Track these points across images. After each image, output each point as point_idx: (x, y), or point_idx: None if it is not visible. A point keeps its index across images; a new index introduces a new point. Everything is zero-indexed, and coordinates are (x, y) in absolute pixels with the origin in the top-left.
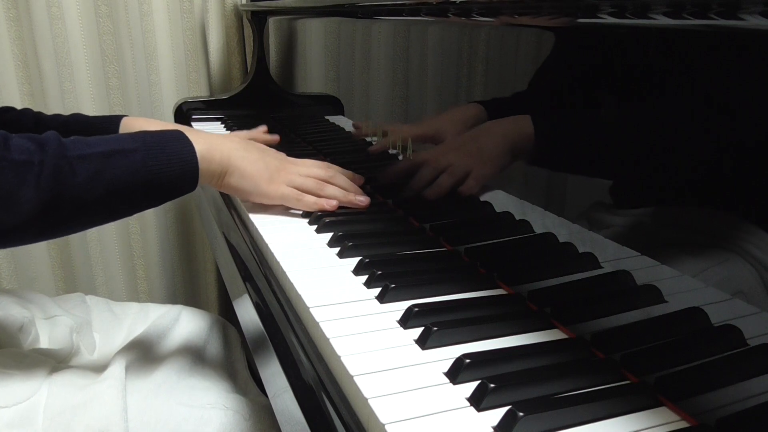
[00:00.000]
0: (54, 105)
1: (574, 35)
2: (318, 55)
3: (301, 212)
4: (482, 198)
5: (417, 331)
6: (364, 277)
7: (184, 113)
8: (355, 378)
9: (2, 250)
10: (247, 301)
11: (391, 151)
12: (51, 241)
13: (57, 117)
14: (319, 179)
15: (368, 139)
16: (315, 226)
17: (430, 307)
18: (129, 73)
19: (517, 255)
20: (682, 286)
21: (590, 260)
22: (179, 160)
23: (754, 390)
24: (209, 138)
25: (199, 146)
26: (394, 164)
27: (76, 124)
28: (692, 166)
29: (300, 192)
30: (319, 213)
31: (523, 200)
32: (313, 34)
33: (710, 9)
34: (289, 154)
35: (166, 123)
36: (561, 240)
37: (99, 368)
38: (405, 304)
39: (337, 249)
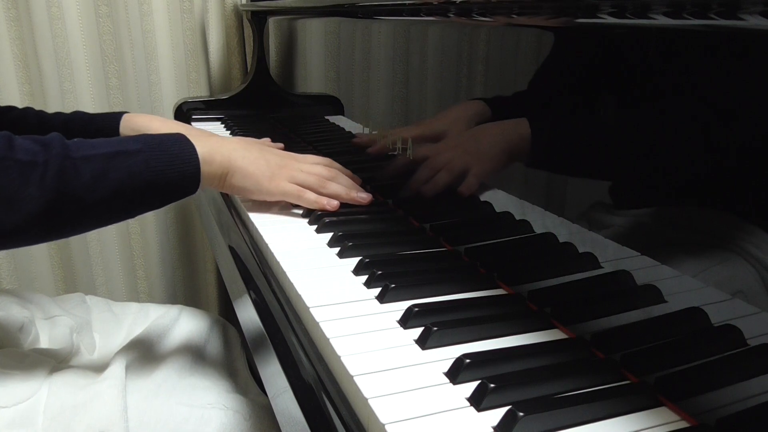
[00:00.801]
0: (54, 105)
1: (574, 35)
2: (318, 55)
3: (301, 212)
4: (482, 198)
5: (417, 331)
6: (364, 277)
7: (184, 113)
8: (355, 378)
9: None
10: (247, 301)
11: (390, 152)
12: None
13: (59, 115)
14: (321, 177)
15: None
16: (315, 226)
17: (430, 307)
18: (129, 73)
19: (517, 255)
20: (682, 286)
21: (590, 260)
22: (181, 162)
23: (754, 390)
24: (210, 140)
25: (201, 148)
26: (393, 164)
27: (78, 122)
28: (692, 166)
29: (301, 188)
30: (319, 213)
31: (523, 200)
32: (313, 34)
33: (710, 9)
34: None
35: (166, 120)
36: (561, 240)
37: (99, 368)
38: (405, 304)
39: (337, 249)
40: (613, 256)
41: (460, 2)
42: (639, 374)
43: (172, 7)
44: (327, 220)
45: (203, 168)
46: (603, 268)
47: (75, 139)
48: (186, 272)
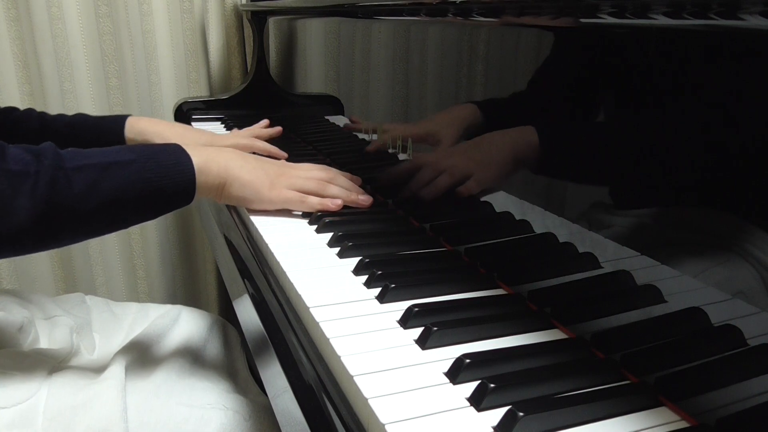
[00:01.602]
0: (54, 105)
1: (574, 35)
2: (318, 55)
3: (301, 212)
4: (482, 198)
5: (417, 331)
6: (364, 277)
7: (184, 113)
8: (355, 378)
9: None
10: (247, 301)
11: (390, 151)
12: None
13: (61, 117)
14: (321, 180)
15: (363, 136)
16: (315, 226)
17: (430, 307)
18: (129, 73)
19: (517, 255)
20: (682, 286)
21: (590, 260)
22: (176, 173)
23: (754, 390)
24: (206, 151)
25: (197, 159)
26: (394, 164)
27: (82, 125)
28: (692, 166)
29: (303, 194)
30: (320, 213)
31: (523, 200)
32: (313, 34)
33: (710, 9)
34: (289, 154)
35: (169, 123)
36: (561, 240)
37: (99, 368)
38: (405, 304)
39: (337, 249)
40: (613, 256)
41: (460, 2)
42: (639, 374)
43: (172, 7)
44: (327, 220)
45: (199, 178)
46: (603, 268)
47: (69, 149)
48: (186, 272)
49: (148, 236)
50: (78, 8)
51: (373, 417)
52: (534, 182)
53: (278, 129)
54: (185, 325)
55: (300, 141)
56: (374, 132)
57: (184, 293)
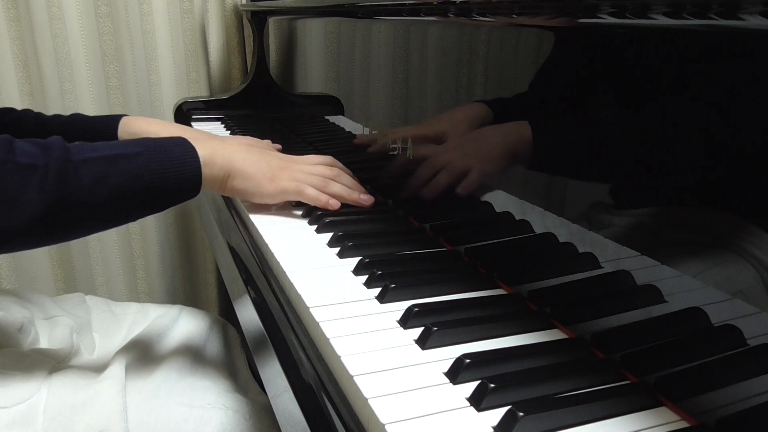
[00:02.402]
0: (54, 105)
1: (574, 35)
2: (318, 55)
3: (301, 212)
4: (482, 198)
5: (417, 331)
6: (364, 277)
7: (184, 113)
8: (355, 378)
9: None
10: (247, 301)
11: (390, 152)
12: None
13: (57, 117)
14: (324, 176)
15: (366, 135)
16: (315, 226)
17: (430, 307)
18: (129, 73)
19: (517, 255)
20: (682, 286)
21: (590, 260)
22: (182, 165)
23: (754, 390)
24: (211, 143)
25: (202, 151)
26: (394, 164)
27: (76, 124)
28: (692, 166)
29: (301, 183)
30: (320, 213)
31: (523, 200)
32: (313, 34)
33: (710, 9)
34: (289, 154)
35: (165, 122)
36: (561, 240)
37: (99, 368)
38: (405, 304)
39: (337, 249)
40: (613, 256)
41: (460, 2)
42: (639, 374)
43: (172, 7)
44: (327, 220)
45: (204, 171)
46: (603, 268)
47: (75, 142)
48: (186, 272)
49: (148, 236)
50: (78, 8)
51: (373, 417)
52: (534, 182)
53: (278, 147)
54: (185, 324)
55: (300, 141)
56: (381, 136)
57: (184, 293)
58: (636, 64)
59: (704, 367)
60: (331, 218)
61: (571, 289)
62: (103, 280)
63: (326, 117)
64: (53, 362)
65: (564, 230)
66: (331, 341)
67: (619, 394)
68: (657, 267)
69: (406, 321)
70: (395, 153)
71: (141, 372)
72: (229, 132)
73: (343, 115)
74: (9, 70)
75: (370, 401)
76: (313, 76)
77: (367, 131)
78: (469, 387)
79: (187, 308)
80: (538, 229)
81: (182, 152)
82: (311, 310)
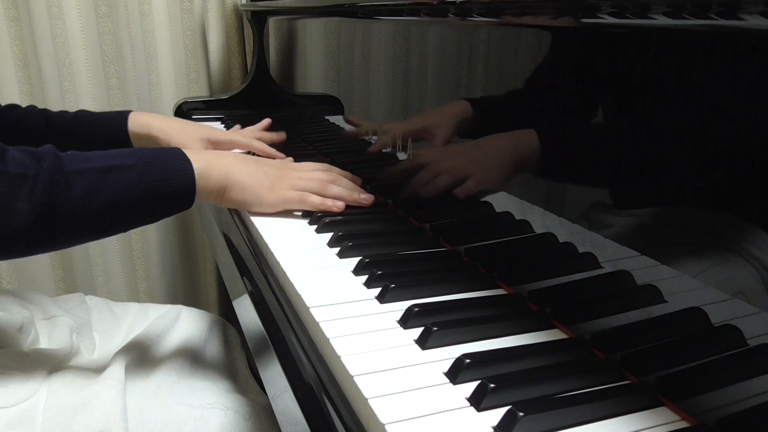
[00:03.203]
0: (54, 105)
1: (574, 35)
2: (318, 55)
3: (301, 213)
4: (482, 198)
5: (417, 331)
6: (364, 277)
7: (184, 113)
8: (355, 378)
9: None
10: (247, 301)
11: (391, 152)
12: None
13: (64, 113)
14: (322, 180)
15: (365, 137)
16: (315, 226)
17: (430, 307)
18: (129, 73)
19: (517, 255)
20: (682, 286)
21: (590, 260)
22: (177, 177)
23: (754, 390)
24: (206, 155)
25: (197, 164)
26: (394, 165)
27: (85, 120)
28: (692, 166)
29: (304, 192)
30: (319, 213)
31: (523, 200)
32: (313, 34)
33: (710, 9)
34: (289, 154)
35: (170, 117)
36: (561, 240)
37: (99, 368)
38: (405, 304)
39: (337, 249)
40: (613, 256)
41: (460, 2)
42: (639, 374)
43: (172, 7)
44: (327, 220)
45: (199, 183)
46: (603, 268)
47: (69, 152)
48: (186, 272)
49: (148, 236)
50: (78, 8)
51: (373, 417)
52: (534, 182)
53: (282, 136)
54: (185, 325)
55: (300, 141)
56: (374, 133)
57: (184, 293)
58: (636, 64)
59: (704, 367)
60: (331, 218)
61: (571, 289)
62: (103, 280)
63: (326, 117)
64: (53, 362)
65: (564, 230)
66: (331, 341)
67: (619, 394)
68: (657, 267)
69: (406, 321)
70: (395, 153)
71: (141, 372)
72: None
73: (343, 115)
74: (9, 70)
75: (370, 401)
76: (313, 76)
77: (364, 131)
78: (469, 387)
79: (187, 308)
80: (538, 229)
81: (177, 164)
82: (311, 310)
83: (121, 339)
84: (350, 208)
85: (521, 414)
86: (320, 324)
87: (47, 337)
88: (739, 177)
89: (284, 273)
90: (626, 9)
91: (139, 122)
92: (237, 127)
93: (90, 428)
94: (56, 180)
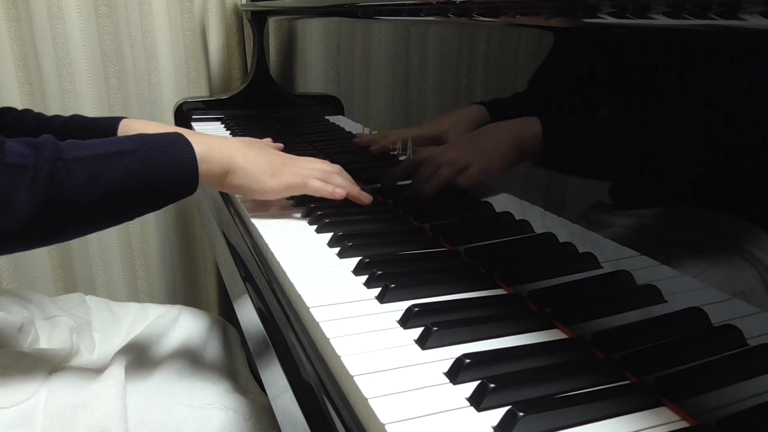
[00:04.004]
0: (54, 105)
1: (574, 35)
2: (318, 55)
3: (300, 213)
4: (482, 198)
5: (417, 331)
6: (364, 277)
7: (184, 113)
8: (355, 378)
9: None
10: (247, 301)
11: (391, 152)
12: None
13: (57, 118)
14: (324, 171)
15: (365, 137)
16: (315, 226)
17: (430, 307)
18: (129, 73)
19: (517, 255)
20: (682, 286)
21: (590, 260)
22: (178, 161)
23: (754, 390)
24: (209, 140)
25: (199, 148)
26: (394, 164)
27: (76, 125)
28: (693, 166)
29: (306, 175)
30: (320, 213)
31: (523, 200)
32: (313, 34)
33: (710, 9)
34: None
35: (165, 125)
36: (561, 240)
37: (99, 368)
38: (405, 304)
39: (337, 249)
40: (613, 256)
41: (460, 2)
42: (639, 374)
43: (172, 7)
44: (327, 220)
45: (201, 167)
46: (603, 268)
47: (68, 141)
48: (186, 272)
49: (148, 236)
50: (78, 8)
51: (373, 417)
52: (534, 182)
53: (280, 146)
54: (185, 325)
55: (300, 141)
56: (382, 137)
57: (184, 293)
58: (636, 64)
59: (704, 367)
60: (331, 218)
61: (571, 289)
62: (103, 280)
63: (326, 117)
64: (53, 362)
65: (564, 230)
66: (331, 341)
67: (619, 394)
68: (657, 267)
69: (406, 321)
70: (395, 153)
71: (141, 372)
72: (229, 132)
73: (343, 115)
74: (9, 70)
75: (370, 401)
76: (313, 76)
77: (367, 131)
78: (469, 387)
79: (187, 308)
80: (538, 229)
81: (178, 148)
82: (311, 310)
83: (121, 339)
84: (350, 208)
85: (521, 414)
86: (320, 324)
87: (47, 337)
88: (739, 177)
89: (284, 273)
90: (626, 9)
91: (129, 129)
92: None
93: (90, 428)
94: (56, 169)
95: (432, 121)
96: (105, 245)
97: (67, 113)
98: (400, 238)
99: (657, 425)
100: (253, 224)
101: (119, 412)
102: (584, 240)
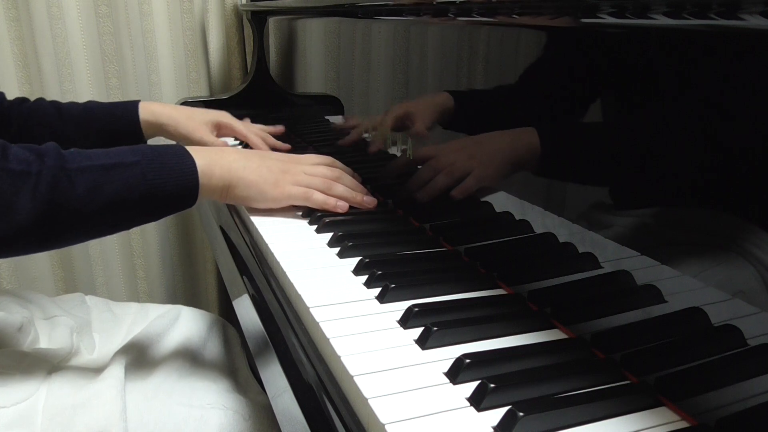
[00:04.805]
0: None
1: (574, 35)
2: (318, 55)
3: (300, 213)
4: (482, 198)
5: (417, 331)
6: (364, 277)
7: None
8: (355, 378)
9: None
10: (247, 301)
11: (390, 151)
12: None
13: (74, 105)
14: (326, 178)
15: (349, 128)
16: (315, 226)
17: (430, 307)
18: (129, 73)
19: (517, 255)
20: (682, 286)
21: (590, 260)
22: (180, 174)
23: (754, 390)
24: (209, 152)
25: (200, 161)
26: (394, 164)
27: (96, 110)
28: (692, 166)
29: (308, 189)
30: (320, 213)
31: (523, 200)
32: (313, 34)
33: (710, 9)
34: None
35: (176, 106)
36: (561, 240)
37: (98, 368)
38: (405, 304)
39: (337, 249)
40: (613, 256)
41: (460, 2)
42: (639, 374)
43: (172, 7)
44: (327, 220)
45: (202, 181)
46: (603, 268)
47: (72, 149)
48: (186, 272)
49: (148, 236)
50: (78, 8)
51: (373, 417)
52: (534, 182)
53: (280, 128)
54: (185, 324)
55: (300, 141)
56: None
57: (184, 293)
58: (636, 64)
59: (704, 367)
60: (331, 218)
61: (571, 289)
62: (103, 280)
63: (326, 117)
64: (53, 362)
65: (564, 230)
66: (331, 341)
67: (619, 394)
68: (657, 267)
69: (406, 321)
70: (395, 153)
71: (141, 372)
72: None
73: (343, 115)
74: (9, 70)
75: (370, 401)
76: (313, 76)
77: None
78: (469, 387)
79: (187, 308)
80: (538, 229)
81: (180, 162)
82: (311, 310)
83: (121, 339)
84: (351, 208)
85: (521, 414)
86: (320, 324)
87: (47, 337)
88: (739, 177)
89: (284, 273)
90: (626, 9)
91: (149, 111)
92: (247, 120)
93: (90, 428)
94: (59, 177)
95: (401, 104)
96: (105, 245)
97: None
98: (400, 238)
99: (657, 425)
100: (252, 224)
101: (119, 412)
102: (584, 240)
